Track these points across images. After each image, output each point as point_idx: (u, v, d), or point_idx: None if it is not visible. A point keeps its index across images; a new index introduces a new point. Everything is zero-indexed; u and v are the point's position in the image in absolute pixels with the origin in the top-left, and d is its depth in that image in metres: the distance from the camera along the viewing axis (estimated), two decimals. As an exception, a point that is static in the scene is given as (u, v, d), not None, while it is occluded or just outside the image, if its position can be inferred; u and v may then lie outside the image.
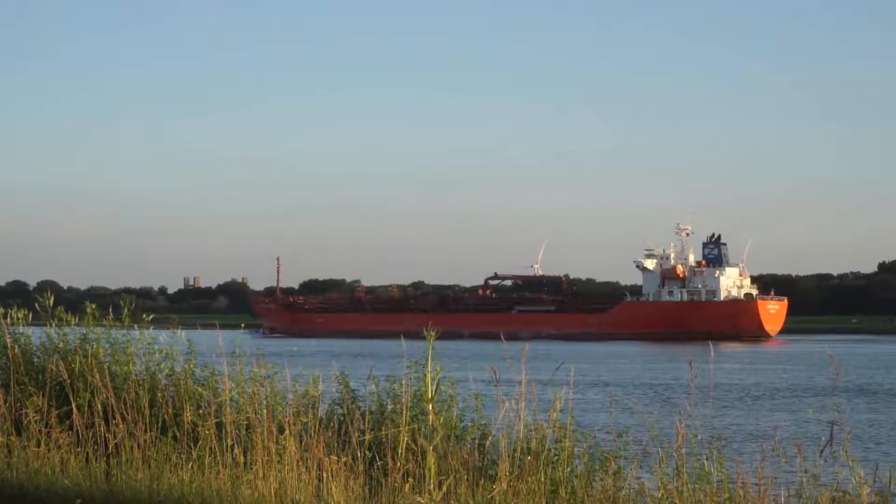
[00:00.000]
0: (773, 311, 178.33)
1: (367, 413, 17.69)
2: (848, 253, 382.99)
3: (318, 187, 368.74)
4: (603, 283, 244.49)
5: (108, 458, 18.36)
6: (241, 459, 17.17)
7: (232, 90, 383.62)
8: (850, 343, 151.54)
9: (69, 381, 19.44)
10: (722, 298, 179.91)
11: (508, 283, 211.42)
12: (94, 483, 17.73)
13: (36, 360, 20.50)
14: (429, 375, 17.06)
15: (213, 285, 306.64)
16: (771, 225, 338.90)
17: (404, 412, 16.95)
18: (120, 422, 18.52)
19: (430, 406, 16.95)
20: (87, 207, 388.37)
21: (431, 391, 17.07)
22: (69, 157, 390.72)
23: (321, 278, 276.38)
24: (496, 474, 16.20)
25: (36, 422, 19.00)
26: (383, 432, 17.07)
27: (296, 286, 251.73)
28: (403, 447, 16.55)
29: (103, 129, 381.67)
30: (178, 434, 18.16)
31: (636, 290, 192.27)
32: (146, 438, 18.19)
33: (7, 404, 19.66)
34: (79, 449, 18.62)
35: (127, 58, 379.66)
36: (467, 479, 16.09)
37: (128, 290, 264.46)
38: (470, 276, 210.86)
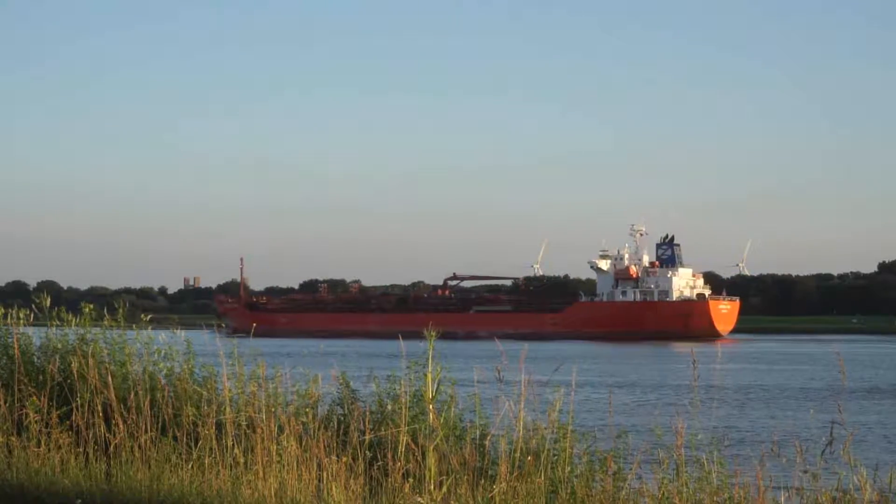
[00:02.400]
0: (725, 311, 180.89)
1: (368, 413, 17.68)
2: (848, 253, 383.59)
3: (318, 187, 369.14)
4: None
5: (108, 458, 18.35)
6: (242, 460, 17.16)
7: (232, 90, 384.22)
8: (797, 343, 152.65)
9: (69, 382, 19.43)
10: (674, 298, 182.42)
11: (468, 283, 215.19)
12: (94, 483, 17.72)
13: (36, 360, 20.49)
14: (429, 375, 17.05)
15: (213, 285, 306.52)
16: (771, 225, 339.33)
17: (404, 412, 16.94)
18: (120, 422, 18.51)
19: (431, 406, 16.94)
20: (87, 207, 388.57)
21: (432, 391, 17.06)
22: (69, 157, 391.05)
23: (321, 278, 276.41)
24: (496, 474, 16.19)
25: (36, 422, 19.00)
26: (383, 432, 17.06)
27: (296, 286, 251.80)
28: (403, 447, 16.54)
29: (103, 129, 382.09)
30: (178, 434, 18.15)
31: (592, 290, 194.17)
32: (146, 438, 18.17)
33: (7, 404, 19.66)
34: (79, 449, 18.60)
35: (127, 58, 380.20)
36: (467, 479, 16.09)
37: (128, 290, 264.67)
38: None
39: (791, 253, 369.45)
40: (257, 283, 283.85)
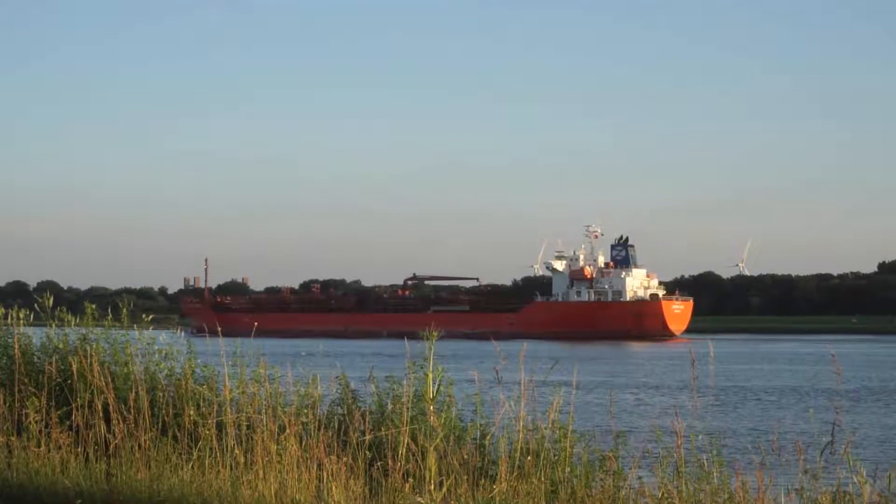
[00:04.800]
0: (678, 311, 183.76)
1: (368, 413, 17.69)
2: (848, 253, 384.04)
3: (318, 187, 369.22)
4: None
5: (108, 458, 18.36)
6: (242, 460, 17.17)
7: (232, 90, 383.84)
8: (753, 343, 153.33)
9: (69, 382, 19.44)
10: (628, 299, 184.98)
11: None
12: (94, 483, 17.73)
13: (36, 360, 20.49)
14: (430, 375, 17.06)
15: (214, 285, 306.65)
16: (771, 225, 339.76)
17: (404, 412, 16.95)
18: (120, 422, 18.51)
19: (431, 406, 16.95)
20: (87, 207, 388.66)
21: (432, 391, 17.07)
22: (69, 157, 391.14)
23: (321, 278, 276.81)
24: (496, 474, 16.20)
25: (36, 422, 19.01)
26: (383, 432, 17.07)
27: (296, 286, 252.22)
28: (404, 447, 16.55)
29: (103, 129, 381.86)
30: (178, 434, 18.15)
31: (548, 290, 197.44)
32: (146, 439, 18.18)
33: (7, 404, 19.67)
34: (79, 449, 18.61)
35: (127, 58, 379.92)
36: (467, 479, 16.09)
37: (128, 291, 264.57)
38: (469, 275, 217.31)
39: (791, 253, 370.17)
40: (257, 284, 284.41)
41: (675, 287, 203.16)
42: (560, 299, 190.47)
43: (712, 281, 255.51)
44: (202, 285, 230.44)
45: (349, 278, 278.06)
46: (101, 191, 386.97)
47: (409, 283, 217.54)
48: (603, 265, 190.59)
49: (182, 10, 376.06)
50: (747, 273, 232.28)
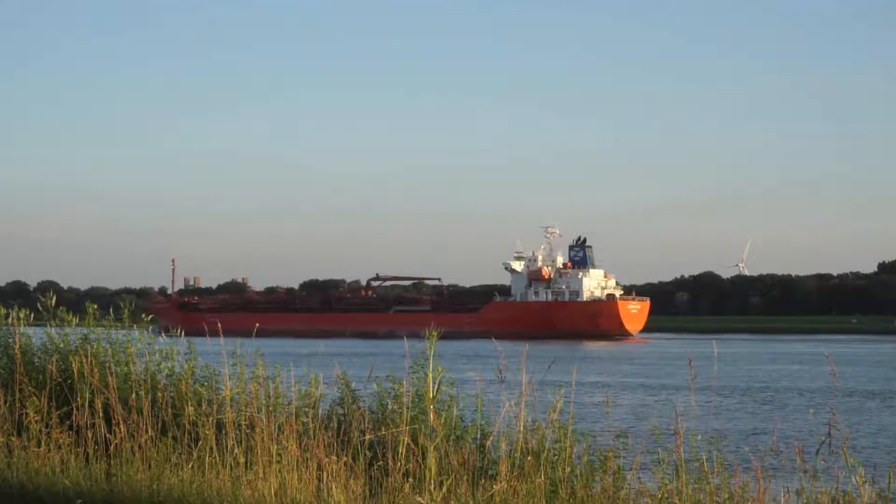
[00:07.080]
0: (635, 311, 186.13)
1: (368, 413, 17.70)
2: (848, 253, 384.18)
3: (318, 187, 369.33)
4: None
5: (108, 458, 18.36)
6: (242, 459, 17.18)
7: (232, 90, 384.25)
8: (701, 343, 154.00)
9: (69, 382, 19.45)
10: (584, 299, 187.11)
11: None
12: (94, 483, 17.73)
13: (37, 360, 20.50)
14: (430, 375, 17.07)
15: (214, 285, 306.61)
16: (771, 225, 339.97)
17: (405, 412, 16.95)
18: (120, 422, 18.52)
19: (432, 406, 16.95)
20: (87, 207, 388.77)
21: (433, 391, 17.07)
22: (69, 157, 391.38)
23: (321, 278, 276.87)
24: (496, 474, 16.20)
25: (36, 422, 19.02)
26: (383, 432, 17.07)
27: (296, 286, 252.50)
28: (404, 447, 16.55)
29: (103, 129, 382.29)
30: (178, 434, 18.16)
31: (506, 291, 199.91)
32: (146, 439, 18.19)
33: (7, 404, 19.67)
34: (79, 449, 18.62)
35: (127, 58, 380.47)
36: (467, 479, 16.10)
37: (128, 291, 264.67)
38: (470, 275, 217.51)
39: (791, 253, 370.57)
40: (257, 283, 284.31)
41: (676, 287, 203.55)
42: (518, 299, 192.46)
43: (712, 281, 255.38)
44: (201, 285, 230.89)
45: (349, 278, 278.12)
46: (101, 191, 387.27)
47: (373, 282, 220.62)
48: (561, 266, 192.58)
49: (182, 10, 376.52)
50: (747, 273, 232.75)
